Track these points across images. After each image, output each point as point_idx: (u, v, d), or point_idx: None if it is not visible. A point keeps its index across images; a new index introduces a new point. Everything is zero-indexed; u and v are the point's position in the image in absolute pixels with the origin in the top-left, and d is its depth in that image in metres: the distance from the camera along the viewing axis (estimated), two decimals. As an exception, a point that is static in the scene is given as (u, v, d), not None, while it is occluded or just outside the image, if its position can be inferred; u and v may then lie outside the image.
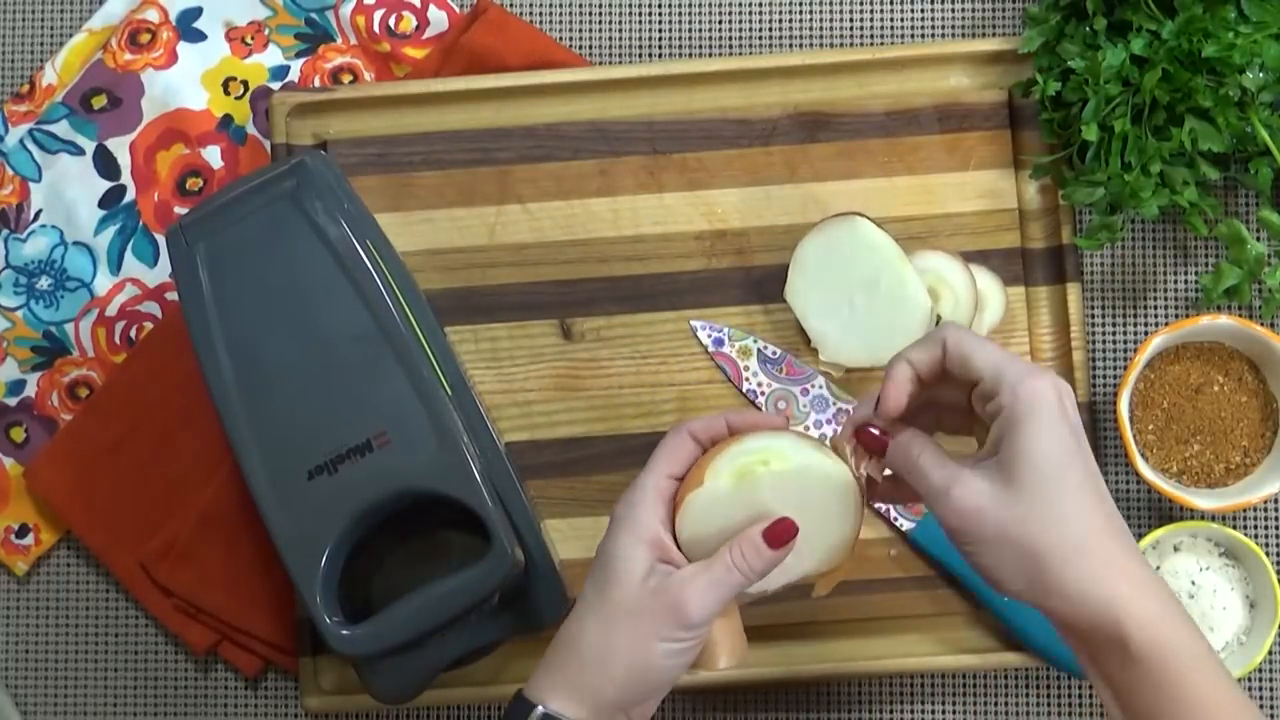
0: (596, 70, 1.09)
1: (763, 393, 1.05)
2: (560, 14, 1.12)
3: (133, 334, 1.10)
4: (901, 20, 1.11)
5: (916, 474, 0.80)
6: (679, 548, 0.84)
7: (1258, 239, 1.06)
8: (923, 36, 1.11)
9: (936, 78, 1.08)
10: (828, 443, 0.85)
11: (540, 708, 0.81)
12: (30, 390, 1.10)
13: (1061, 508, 0.77)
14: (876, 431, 0.82)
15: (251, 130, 1.11)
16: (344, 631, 0.91)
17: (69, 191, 1.11)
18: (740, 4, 1.11)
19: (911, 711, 1.07)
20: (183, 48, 1.12)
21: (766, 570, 0.82)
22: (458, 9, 1.12)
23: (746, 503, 0.83)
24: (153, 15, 1.12)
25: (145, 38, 1.11)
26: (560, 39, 1.11)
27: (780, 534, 0.82)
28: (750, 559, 0.81)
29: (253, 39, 1.12)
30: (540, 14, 1.12)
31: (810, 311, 1.03)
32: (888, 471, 0.84)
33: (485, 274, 1.07)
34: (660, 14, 1.12)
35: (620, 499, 0.85)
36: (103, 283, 1.10)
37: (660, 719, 1.08)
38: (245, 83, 1.12)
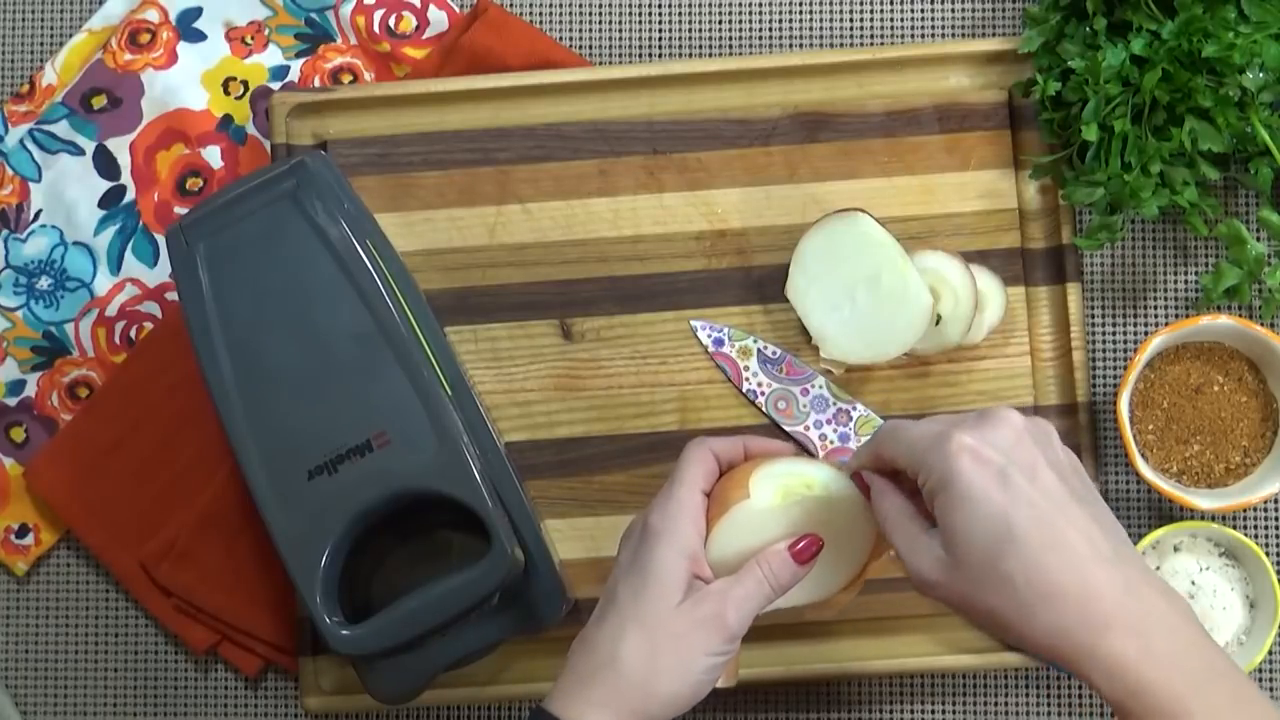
0: (596, 70, 1.09)
1: (763, 393, 1.05)
2: (560, 14, 1.12)
3: (133, 334, 1.10)
4: (901, 20, 1.11)
5: (885, 529, 0.81)
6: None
7: (1258, 239, 1.06)
8: (923, 36, 1.11)
9: (936, 78, 1.08)
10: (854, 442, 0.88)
11: None
12: (30, 390, 1.10)
13: (1004, 571, 0.74)
14: (815, 550, 0.84)
15: (251, 130, 1.11)
16: (344, 631, 0.91)
17: (69, 191, 1.11)
18: (740, 4, 1.11)
19: (911, 711, 1.07)
20: (183, 48, 1.12)
21: (789, 586, 0.84)
22: (458, 9, 1.12)
23: (784, 522, 0.85)
24: (153, 15, 1.12)
25: (145, 38, 1.11)
26: (560, 39, 1.11)
27: (807, 550, 0.84)
28: (779, 572, 0.83)
29: (253, 39, 1.12)
30: (540, 14, 1.12)
31: (811, 308, 1.03)
32: None
33: (485, 274, 1.07)
34: (660, 14, 1.12)
35: (655, 509, 0.85)
36: (103, 283, 1.10)
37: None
38: (245, 83, 1.12)
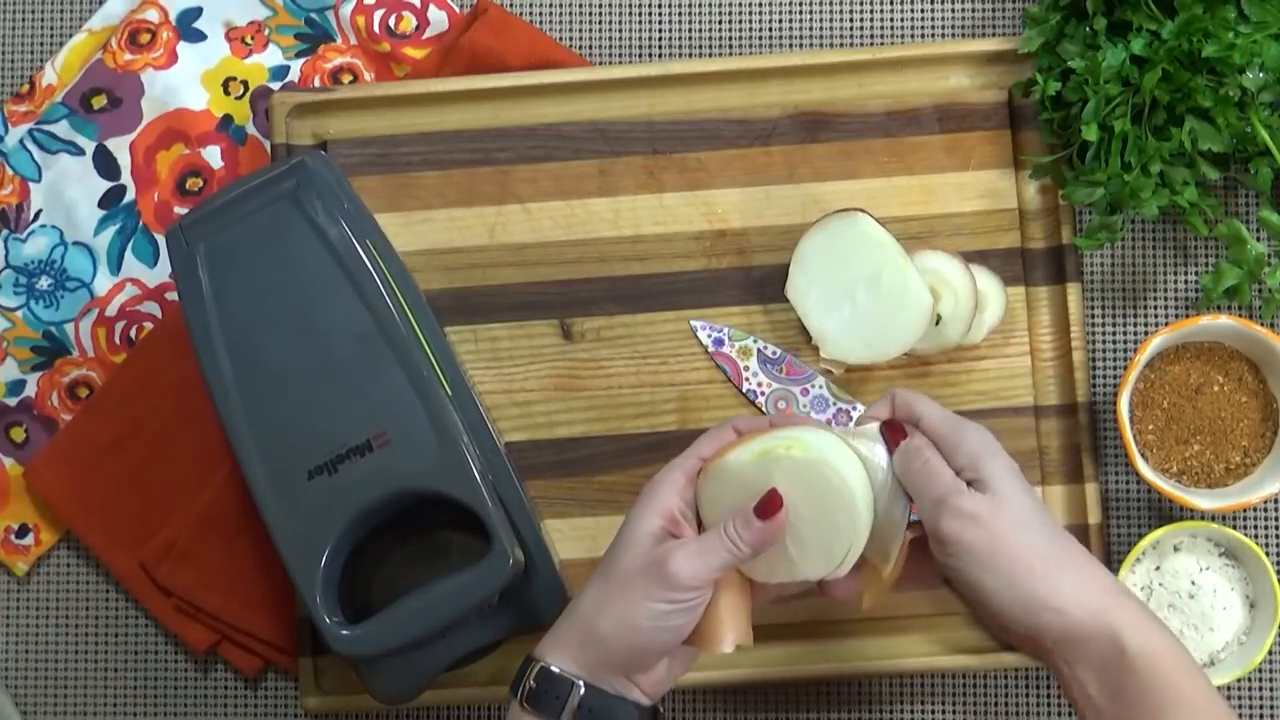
0: (596, 70, 1.09)
1: (763, 393, 1.05)
2: (560, 14, 1.12)
3: (133, 334, 1.10)
4: (901, 20, 1.11)
5: (926, 473, 0.84)
6: (700, 520, 0.86)
7: (1258, 239, 1.06)
8: (923, 36, 1.11)
9: (936, 78, 1.08)
10: (854, 420, 0.87)
11: (540, 663, 0.84)
12: (30, 390, 1.10)
13: (1041, 528, 0.84)
14: (896, 424, 0.87)
15: (251, 130, 1.11)
16: (344, 631, 0.92)
17: (69, 191, 1.11)
18: (740, 4, 1.11)
19: (911, 711, 1.07)
20: (183, 48, 1.12)
21: (758, 545, 0.84)
22: (458, 9, 1.12)
23: (762, 482, 0.84)
24: (153, 15, 1.12)
25: (145, 38, 1.11)
26: (560, 39, 1.11)
27: (768, 506, 0.84)
28: (740, 530, 0.84)
29: (253, 39, 1.12)
30: (540, 14, 1.12)
31: (811, 308, 1.03)
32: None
33: (485, 274, 1.07)
34: (660, 14, 1.12)
35: (653, 475, 0.88)
36: (103, 283, 1.10)
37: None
38: (245, 83, 1.12)
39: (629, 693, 0.84)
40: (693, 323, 1.06)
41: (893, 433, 0.86)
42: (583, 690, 0.83)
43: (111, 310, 1.10)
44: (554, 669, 0.83)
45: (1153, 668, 0.80)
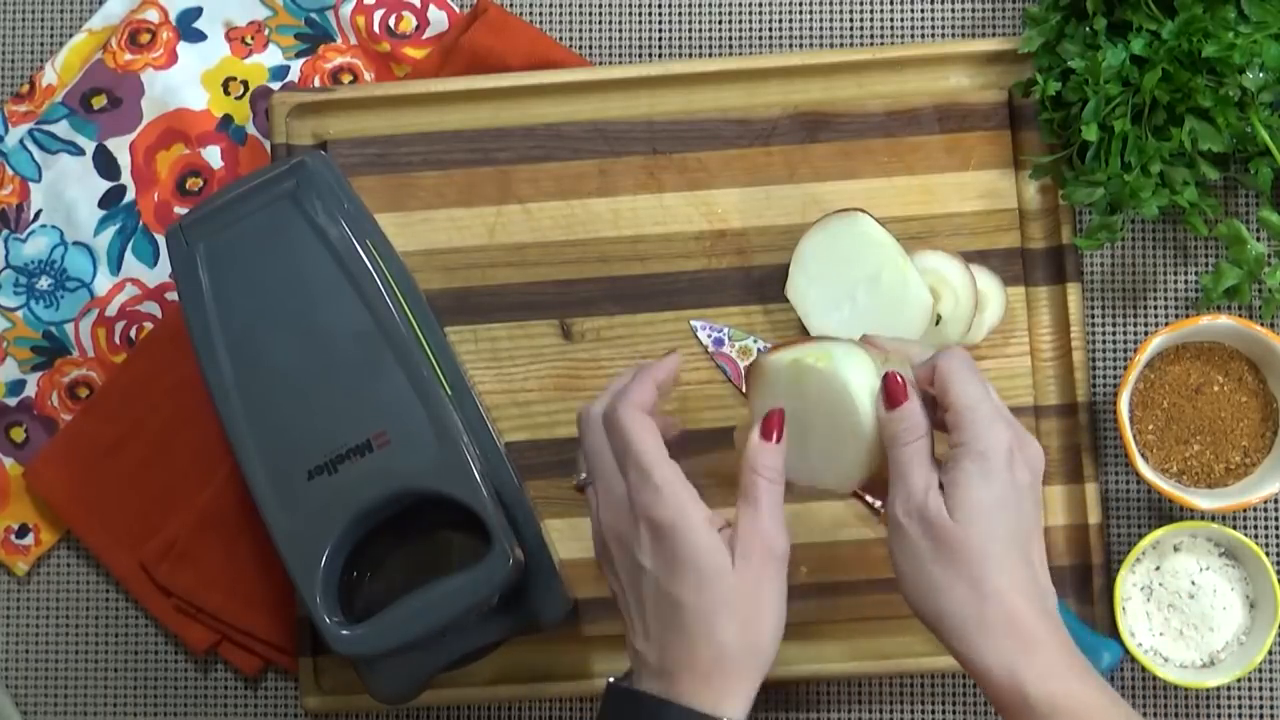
0: (596, 70, 1.09)
1: (763, 393, 1.05)
2: (560, 14, 1.12)
3: (133, 334, 1.10)
4: (901, 20, 1.11)
5: (907, 456, 0.82)
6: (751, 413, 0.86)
7: (1258, 239, 1.06)
8: (923, 36, 1.11)
9: (936, 78, 1.08)
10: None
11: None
12: (30, 390, 1.10)
13: (979, 554, 0.80)
14: (901, 382, 0.84)
15: (251, 130, 1.11)
16: (344, 631, 0.91)
17: (69, 191, 1.11)
18: (740, 4, 1.11)
19: (911, 711, 1.07)
20: (183, 48, 1.12)
21: (780, 465, 0.84)
22: (458, 9, 1.12)
23: (794, 387, 0.85)
24: (153, 15, 1.12)
25: (145, 38, 1.11)
26: (560, 39, 1.11)
27: (768, 426, 0.84)
28: (760, 459, 0.83)
29: (253, 39, 1.12)
30: (540, 14, 1.12)
31: (811, 308, 1.03)
32: None
33: (485, 274, 1.07)
34: (660, 14, 1.12)
35: (650, 502, 0.83)
36: (103, 283, 1.10)
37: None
38: (245, 83, 1.12)
39: None
40: (693, 323, 1.06)
41: (889, 393, 0.83)
42: None
43: (111, 310, 1.10)
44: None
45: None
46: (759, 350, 1.05)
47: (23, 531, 1.09)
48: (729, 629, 0.81)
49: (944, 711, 1.07)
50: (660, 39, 1.12)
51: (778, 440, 0.84)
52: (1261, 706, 1.06)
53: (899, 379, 0.84)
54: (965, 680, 1.07)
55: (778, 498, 0.83)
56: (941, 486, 0.82)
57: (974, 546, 0.80)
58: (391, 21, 1.11)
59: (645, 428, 0.85)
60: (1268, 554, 1.05)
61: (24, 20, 1.14)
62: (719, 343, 1.06)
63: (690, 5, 1.12)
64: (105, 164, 1.11)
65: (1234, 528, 1.04)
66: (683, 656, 0.82)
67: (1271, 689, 1.06)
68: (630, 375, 0.89)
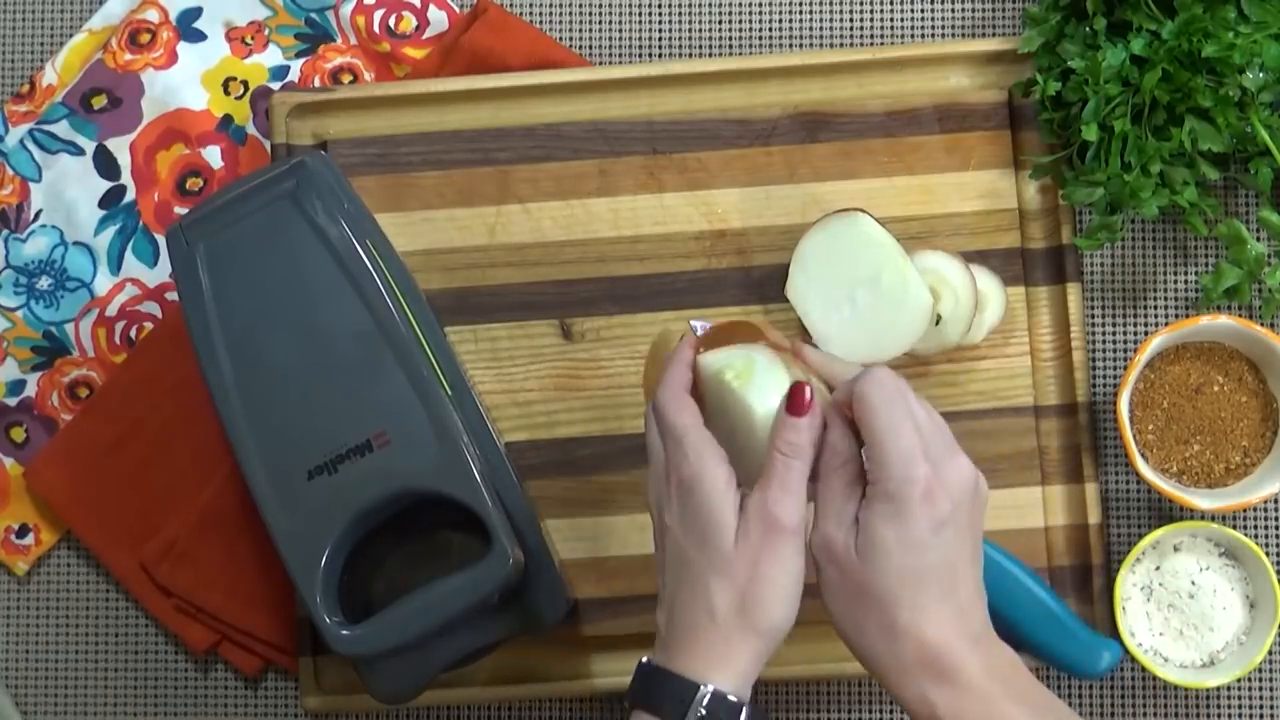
0: (596, 70, 1.09)
1: (763, 393, 1.05)
2: (560, 14, 1.12)
3: (133, 334, 1.10)
4: (901, 20, 1.11)
5: (821, 485, 0.82)
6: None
7: (1258, 239, 1.06)
8: (923, 36, 1.11)
9: (936, 78, 1.08)
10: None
11: (711, 688, 0.79)
12: (30, 390, 1.10)
13: (889, 596, 0.79)
14: (807, 397, 0.82)
15: (251, 130, 1.11)
16: (344, 631, 0.91)
17: (69, 191, 1.11)
18: (740, 4, 1.11)
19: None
20: (183, 48, 1.12)
21: (800, 437, 0.81)
22: (458, 9, 1.12)
23: (716, 393, 0.85)
24: (153, 15, 1.12)
25: (145, 38, 1.11)
26: (560, 39, 1.11)
27: (796, 401, 0.82)
28: (780, 434, 0.81)
29: (253, 39, 1.12)
30: (540, 14, 1.12)
31: (811, 308, 1.03)
32: None
33: (485, 274, 1.07)
34: (660, 14, 1.12)
35: (679, 462, 0.83)
36: (103, 283, 1.10)
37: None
38: (245, 83, 1.12)
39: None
40: (693, 323, 1.06)
41: (792, 403, 0.82)
42: (747, 716, 0.80)
43: (111, 310, 1.10)
44: (731, 697, 0.79)
45: None
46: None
47: (23, 531, 1.09)
48: (724, 595, 0.81)
49: (944, 711, 1.07)
50: (660, 39, 1.12)
51: (802, 415, 0.81)
52: (1261, 706, 1.06)
53: (805, 391, 0.82)
54: (965, 680, 1.07)
55: (796, 472, 0.81)
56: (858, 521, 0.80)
57: (882, 588, 0.79)
58: (391, 21, 1.11)
59: (682, 405, 0.85)
60: (1268, 554, 1.05)
61: (24, 20, 1.14)
62: (719, 343, 1.06)
63: (690, 5, 1.12)
64: (105, 164, 1.11)
65: (1234, 528, 1.04)
66: (683, 618, 0.82)
67: (1271, 689, 1.06)
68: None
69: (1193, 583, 1.03)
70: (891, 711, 1.07)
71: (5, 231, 1.11)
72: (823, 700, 1.07)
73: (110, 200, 1.11)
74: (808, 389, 0.82)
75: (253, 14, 1.12)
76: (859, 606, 0.80)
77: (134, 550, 1.07)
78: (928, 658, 0.78)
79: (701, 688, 0.79)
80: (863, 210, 1.02)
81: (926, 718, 0.78)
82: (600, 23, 1.12)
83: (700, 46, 1.11)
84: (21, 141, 1.11)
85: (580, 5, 1.12)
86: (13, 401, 1.10)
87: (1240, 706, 1.06)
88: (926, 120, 1.06)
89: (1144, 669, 1.02)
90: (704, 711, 0.79)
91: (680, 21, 1.12)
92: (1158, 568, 1.03)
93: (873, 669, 0.80)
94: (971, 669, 0.79)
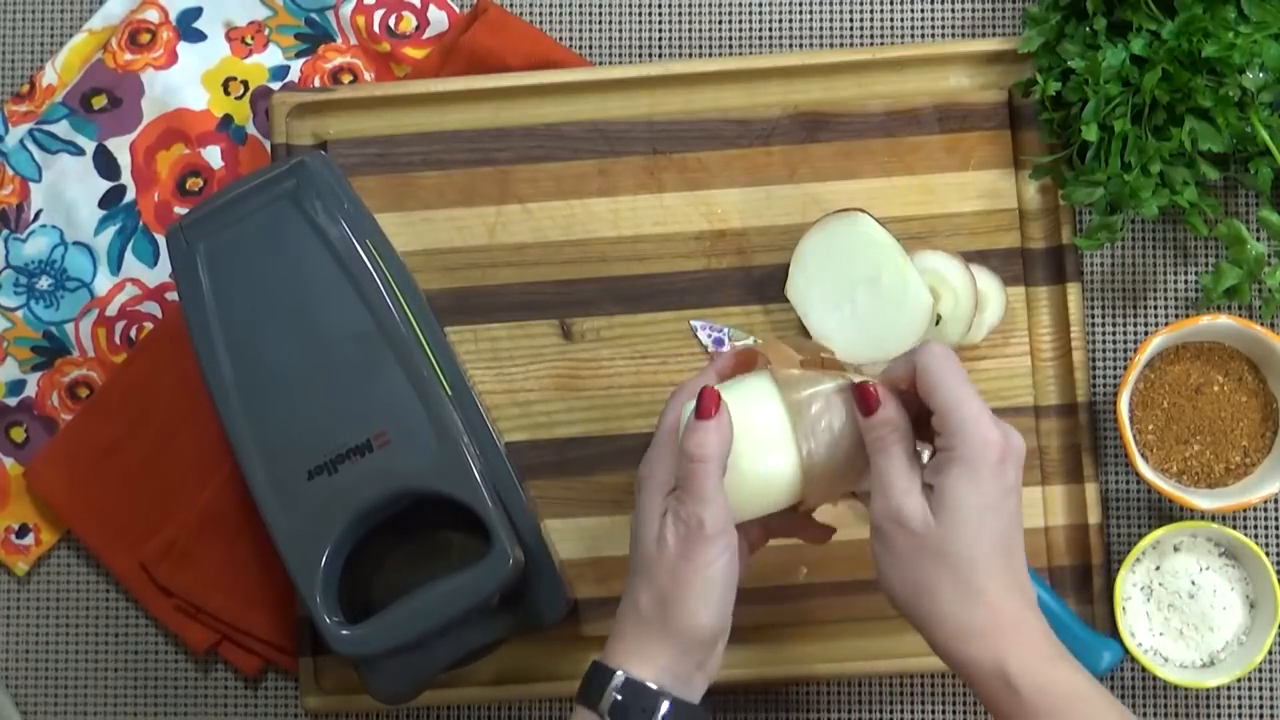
0: (596, 70, 1.09)
1: (763, 393, 1.05)
2: (560, 14, 1.12)
3: (133, 334, 1.10)
4: (901, 20, 1.11)
5: (885, 460, 0.83)
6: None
7: (1258, 239, 1.06)
8: (923, 36, 1.11)
9: (936, 78, 1.08)
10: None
11: (624, 673, 0.83)
12: (30, 390, 1.10)
13: (966, 558, 0.81)
14: (874, 392, 0.83)
15: (251, 130, 1.11)
16: (344, 631, 0.92)
17: (69, 191, 1.11)
18: (740, 4, 1.11)
19: (911, 711, 1.07)
20: (183, 48, 1.12)
21: (720, 444, 0.83)
22: (458, 9, 1.12)
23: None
24: (153, 15, 1.12)
25: (145, 38, 1.11)
26: (560, 39, 1.11)
27: (703, 406, 0.84)
28: (688, 439, 0.83)
29: (253, 39, 1.12)
30: (540, 14, 1.12)
31: (811, 308, 1.03)
32: None
33: (485, 274, 1.07)
34: (660, 14, 1.12)
35: (645, 459, 0.87)
36: (103, 283, 1.10)
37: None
38: (245, 83, 1.12)
39: (696, 691, 0.85)
40: (693, 323, 1.06)
41: (863, 401, 0.83)
42: (668, 705, 0.82)
43: (111, 310, 1.10)
44: (647, 683, 0.83)
45: (1043, 704, 0.79)
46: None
47: (23, 531, 1.09)
48: (646, 594, 0.84)
49: (944, 711, 1.07)
50: (660, 39, 1.12)
51: (707, 419, 0.83)
52: (1261, 706, 1.06)
53: (871, 388, 0.83)
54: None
55: (704, 475, 0.83)
56: (931, 486, 0.82)
57: (961, 550, 0.81)
58: (391, 21, 1.12)
59: (672, 408, 0.88)
60: (1268, 554, 1.05)
61: (24, 20, 1.14)
62: (719, 343, 1.06)
63: (690, 5, 1.12)
64: (105, 164, 1.11)
65: (1234, 528, 1.04)
66: (620, 614, 0.86)
67: (1271, 689, 1.06)
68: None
69: (1193, 583, 1.03)
70: (891, 711, 1.07)
71: (5, 231, 1.11)
72: (823, 700, 1.07)
73: (110, 200, 1.11)
74: (718, 393, 0.84)
75: (253, 14, 1.12)
76: (933, 571, 0.81)
77: (134, 550, 1.07)
78: (1000, 618, 0.81)
79: (618, 672, 0.83)
80: (863, 210, 1.02)
81: (994, 677, 0.80)
82: (600, 23, 1.12)
83: (700, 46, 1.11)
84: (21, 141, 1.11)
85: (580, 5, 1.12)
86: (13, 401, 1.10)
87: (1240, 706, 1.06)
88: (926, 120, 1.06)
89: (1144, 669, 1.02)
90: (619, 696, 0.82)
91: (680, 21, 1.12)
92: (1158, 568, 1.03)
93: (938, 633, 0.82)
94: (1036, 632, 0.81)
